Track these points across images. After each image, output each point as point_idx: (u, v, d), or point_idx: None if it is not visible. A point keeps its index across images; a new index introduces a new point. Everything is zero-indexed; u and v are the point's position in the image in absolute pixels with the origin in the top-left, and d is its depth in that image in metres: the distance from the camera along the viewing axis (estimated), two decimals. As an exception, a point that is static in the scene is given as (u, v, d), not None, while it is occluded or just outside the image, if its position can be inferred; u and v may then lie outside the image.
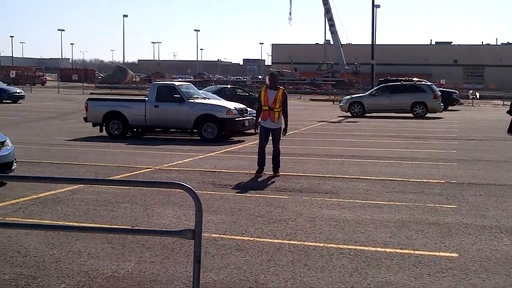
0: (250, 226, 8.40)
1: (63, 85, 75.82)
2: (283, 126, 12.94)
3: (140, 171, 13.24)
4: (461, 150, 17.77)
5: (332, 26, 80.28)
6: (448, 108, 40.62)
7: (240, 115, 20.45)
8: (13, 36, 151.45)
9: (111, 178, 12.15)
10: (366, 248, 7.32)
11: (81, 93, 59.38)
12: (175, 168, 13.76)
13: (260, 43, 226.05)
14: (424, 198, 10.48)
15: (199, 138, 20.09)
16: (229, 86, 41.84)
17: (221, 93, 37.91)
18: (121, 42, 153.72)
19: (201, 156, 15.93)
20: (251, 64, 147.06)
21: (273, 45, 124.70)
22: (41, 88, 76.02)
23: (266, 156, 12.96)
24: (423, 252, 7.19)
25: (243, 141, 20.02)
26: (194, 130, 20.34)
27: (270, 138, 13.02)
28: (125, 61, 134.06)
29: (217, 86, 43.53)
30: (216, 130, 19.91)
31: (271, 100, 12.71)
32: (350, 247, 7.38)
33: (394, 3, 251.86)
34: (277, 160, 12.93)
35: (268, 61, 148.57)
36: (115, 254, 6.96)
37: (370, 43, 56.82)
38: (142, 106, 20.80)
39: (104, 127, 21.07)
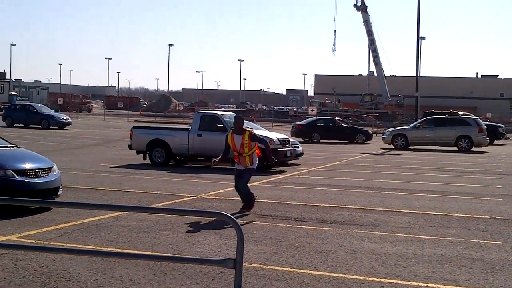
0: (291, 257, 8.38)
1: (109, 113, 77.28)
2: (254, 167, 12.28)
3: (182, 199, 13.37)
4: (507, 185, 17.43)
5: (376, 57, 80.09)
6: (494, 143, 39.94)
7: (282, 146, 20.50)
8: (61, 64, 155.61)
9: (154, 205, 12.31)
10: (408, 283, 7.23)
11: (126, 121, 60.41)
12: (217, 197, 13.85)
13: (303, 74, 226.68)
14: (468, 234, 10.31)
15: (241, 167, 20.15)
16: (337, 118, 42.73)
17: (317, 125, 38.58)
18: (166, 71, 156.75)
19: (242, 186, 15.97)
20: (294, 94, 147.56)
21: (316, 75, 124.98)
22: (87, 115, 77.63)
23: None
24: (467, 289, 7.06)
25: (285, 171, 20.04)
26: (236, 160, 20.43)
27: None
28: (170, 89, 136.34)
29: (317, 117, 44.12)
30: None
31: (238, 145, 11.96)
32: (391, 281, 7.30)
33: (440, 36, 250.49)
34: (243, 194, 12.17)
35: (311, 92, 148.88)
36: (156, 281, 7.03)
37: (415, 75, 56.53)
38: (186, 134, 21.05)
39: (147, 155, 21.37)
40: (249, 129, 12.29)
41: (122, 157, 23.43)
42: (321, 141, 38.18)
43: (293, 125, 41.50)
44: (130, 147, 22.10)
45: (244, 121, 24.32)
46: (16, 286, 6.67)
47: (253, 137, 12.02)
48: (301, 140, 37.54)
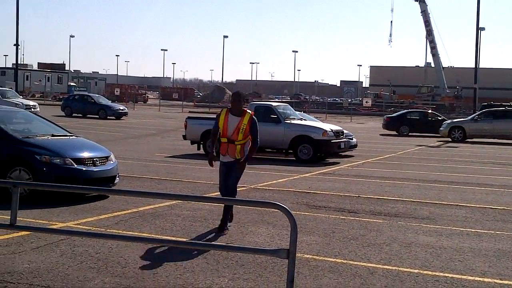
0: (344, 248, 8.34)
1: (164, 103, 78.24)
2: (247, 160, 9.35)
3: (236, 189, 13.41)
4: None
5: (433, 48, 78.49)
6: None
7: (336, 137, 20.38)
8: (118, 55, 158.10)
9: (208, 195, 12.41)
10: (464, 277, 7.10)
11: (180, 111, 61.06)
12: (270, 188, 13.87)
13: (358, 65, 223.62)
14: (527, 229, 10.05)
15: (294, 158, 20.17)
16: (430, 111, 41.51)
17: (407, 117, 37.91)
18: (221, 62, 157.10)
19: (296, 177, 15.98)
20: (348, 86, 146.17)
21: (371, 67, 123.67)
22: (143, 106, 78.78)
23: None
24: (525, 285, 6.89)
25: (338, 163, 19.92)
26: (290, 151, 20.45)
27: None
28: (224, 80, 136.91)
29: (408, 110, 43.54)
30: (311, 151, 19.91)
31: (232, 129, 9.04)
32: (446, 275, 7.18)
33: (500, 26, 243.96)
34: (228, 209, 9.24)
35: (366, 83, 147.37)
36: (209, 269, 7.10)
37: (473, 66, 55.29)
38: (239, 125, 21.10)
39: (202, 145, 21.55)
40: (251, 112, 9.31)
41: (177, 147, 23.71)
42: (410, 134, 37.38)
43: (384, 117, 41.26)
44: (184, 137, 22.34)
45: (296, 112, 24.39)
46: (74, 272, 6.85)
47: (253, 125, 9.15)
48: (392, 132, 37.28)
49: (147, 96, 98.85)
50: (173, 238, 8.54)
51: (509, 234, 9.56)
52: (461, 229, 9.85)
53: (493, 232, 9.68)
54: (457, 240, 9.06)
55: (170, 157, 20.37)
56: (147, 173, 15.65)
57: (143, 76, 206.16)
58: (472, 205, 12.20)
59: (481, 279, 7.07)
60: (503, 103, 41.84)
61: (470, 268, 7.53)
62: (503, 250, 8.47)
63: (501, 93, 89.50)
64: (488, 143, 31.92)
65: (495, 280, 7.02)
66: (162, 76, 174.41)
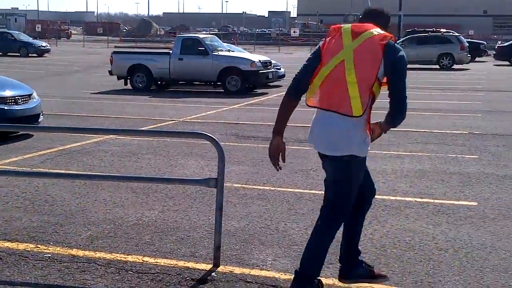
0: (272, 176, 8.50)
1: (88, 39, 76.05)
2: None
3: (164, 123, 13.38)
4: (486, 102, 17.61)
5: (358, -24, 78.62)
6: (476, 60, 39.99)
7: (264, 68, 20.42)
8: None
9: (137, 129, 12.30)
10: (386, 197, 7.38)
11: (106, 47, 59.54)
12: (199, 120, 13.88)
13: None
14: (446, 149, 10.48)
15: (222, 90, 20.15)
16: None
17: None
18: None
19: (224, 109, 16.02)
20: (277, 16, 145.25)
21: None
22: (66, 42, 76.34)
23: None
24: (443, 201, 7.25)
25: (267, 93, 20.04)
26: (218, 83, 20.39)
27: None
28: (150, 14, 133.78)
29: None
30: (239, 82, 19.93)
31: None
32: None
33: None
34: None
35: (294, 13, 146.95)
36: (139, 203, 7.13)
37: (397, -7, 55.76)
38: (167, 59, 20.85)
39: (128, 80, 21.21)
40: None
41: (103, 83, 23.24)
42: None
43: (496, 46, 40.58)
44: (110, 73, 21.91)
45: (224, 43, 24.14)
46: (0, 212, 6.74)
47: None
48: (504, 62, 36.30)
49: (70, 32, 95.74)
50: (101, 173, 8.48)
51: (429, 155, 9.95)
52: (384, 152, 10.17)
53: (414, 154, 10.05)
54: (380, 162, 9.36)
55: (96, 93, 19.98)
56: (72, 111, 15.36)
57: (65, 11, 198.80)
58: (396, 129, 12.51)
59: (402, 198, 7.37)
60: (426, 29, 42.55)
61: (392, 189, 7.84)
62: (423, 171, 8.84)
63: (426, 19, 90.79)
64: (413, 69, 32.63)
65: (416, 199, 7.34)
66: (86, 10, 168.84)
